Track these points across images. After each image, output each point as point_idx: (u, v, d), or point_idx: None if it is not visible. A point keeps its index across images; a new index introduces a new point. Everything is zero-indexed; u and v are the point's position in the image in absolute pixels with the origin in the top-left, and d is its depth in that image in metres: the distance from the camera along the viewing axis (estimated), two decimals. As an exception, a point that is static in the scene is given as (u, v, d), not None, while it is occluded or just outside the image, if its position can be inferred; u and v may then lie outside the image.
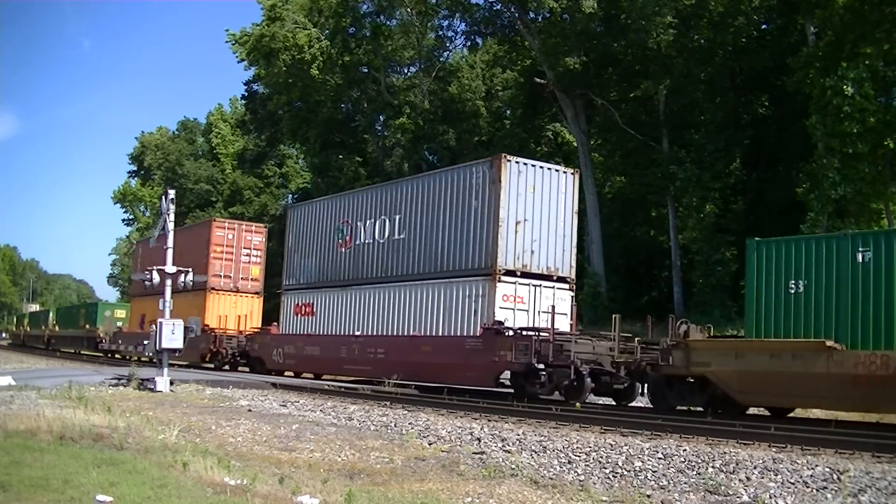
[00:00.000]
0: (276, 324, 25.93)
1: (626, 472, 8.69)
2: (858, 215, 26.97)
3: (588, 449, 9.98)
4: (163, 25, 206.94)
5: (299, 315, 24.44)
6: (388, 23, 45.77)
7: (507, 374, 17.21)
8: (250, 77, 54.18)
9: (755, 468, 8.58)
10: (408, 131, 43.00)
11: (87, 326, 41.41)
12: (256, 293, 30.37)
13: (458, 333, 18.32)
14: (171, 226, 18.96)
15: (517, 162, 18.43)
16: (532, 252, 18.31)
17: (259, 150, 61.69)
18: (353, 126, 50.24)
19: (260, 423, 12.59)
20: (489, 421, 13.33)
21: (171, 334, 17.99)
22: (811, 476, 8.19)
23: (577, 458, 9.51)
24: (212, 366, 28.01)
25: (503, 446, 10.43)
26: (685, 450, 9.73)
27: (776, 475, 8.27)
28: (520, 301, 17.96)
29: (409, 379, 19.36)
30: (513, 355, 16.28)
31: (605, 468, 8.92)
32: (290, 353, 24.07)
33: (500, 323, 17.26)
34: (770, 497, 7.46)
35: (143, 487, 6.82)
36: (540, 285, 18.33)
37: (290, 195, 62.41)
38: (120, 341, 35.66)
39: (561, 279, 18.78)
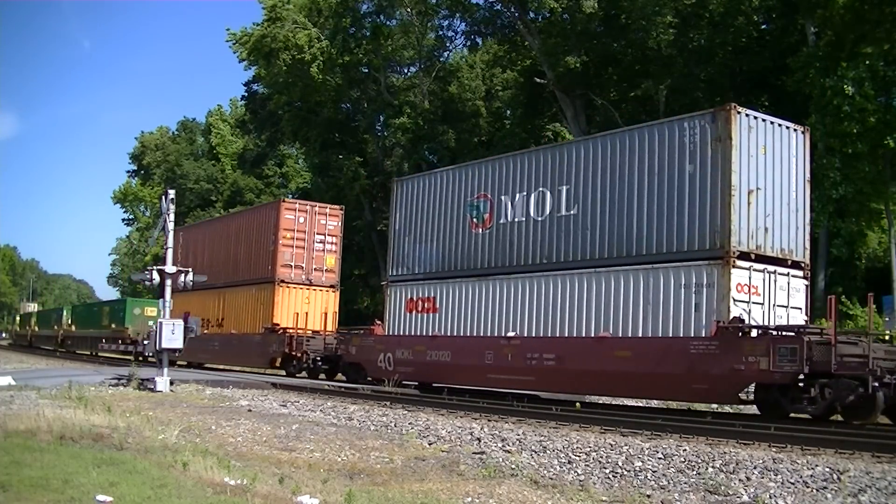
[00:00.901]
0: (378, 323, 21.51)
1: (626, 472, 8.69)
2: (858, 215, 26.99)
3: (588, 449, 9.98)
4: (163, 25, 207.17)
5: (414, 312, 19.88)
6: (388, 23, 45.80)
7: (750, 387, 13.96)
8: (250, 77, 54.29)
9: (755, 468, 8.58)
10: (408, 131, 43.00)
11: (114, 326, 38.19)
12: (332, 287, 26.36)
13: (675, 334, 14.47)
14: (170, 226, 18.96)
15: (747, 115, 14.81)
16: (766, 230, 14.66)
17: (259, 150, 61.72)
18: (353, 126, 50.25)
19: (260, 423, 12.59)
20: (489, 421, 13.33)
21: (171, 334, 18.00)
22: (811, 476, 8.19)
23: (577, 458, 9.51)
24: (283, 372, 24.88)
25: (503, 446, 10.43)
26: (685, 450, 9.73)
27: (776, 475, 8.27)
28: (755, 292, 14.33)
29: (598, 392, 16.87)
30: (770, 362, 12.63)
31: (605, 468, 8.92)
32: (403, 358, 19.64)
33: (741, 320, 13.69)
34: (770, 497, 7.46)
35: (143, 487, 6.82)
36: (774, 272, 14.68)
37: (290, 195, 62.41)
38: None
39: (795, 264, 15.19)
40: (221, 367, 28.39)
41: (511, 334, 17.19)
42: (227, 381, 20.79)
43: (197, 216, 62.18)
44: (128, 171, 79.42)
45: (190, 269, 19.52)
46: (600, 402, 17.53)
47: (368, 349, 21.00)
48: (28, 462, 7.78)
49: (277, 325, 24.69)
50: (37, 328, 55.72)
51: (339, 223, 26.56)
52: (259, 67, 47.41)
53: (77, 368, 27.28)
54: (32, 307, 75.35)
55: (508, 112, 45.69)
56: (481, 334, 18.00)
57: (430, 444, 10.72)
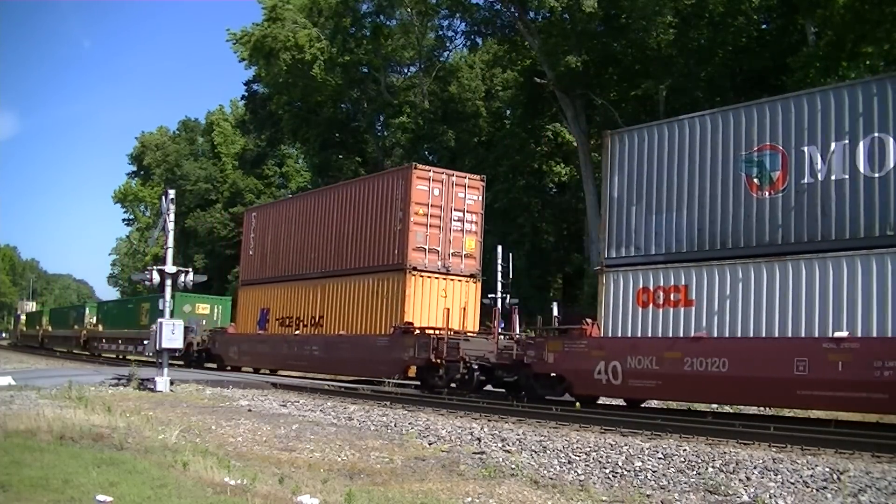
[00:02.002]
0: (589, 322, 16.24)
1: (626, 472, 8.69)
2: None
3: (588, 449, 9.98)
4: (163, 25, 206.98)
5: (651, 306, 14.97)
6: (388, 23, 45.84)
7: None
8: (250, 77, 54.37)
9: (755, 468, 8.58)
10: (408, 130, 43.02)
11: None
12: (472, 276, 21.17)
13: None
14: (170, 226, 18.94)
15: None
16: None
17: (259, 150, 61.75)
18: (353, 126, 50.29)
19: (260, 422, 12.60)
20: (489, 421, 13.33)
21: (171, 334, 18.00)
22: (811, 476, 8.19)
23: (577, 457, 9.51)
24: (417, 382, 19.93)
25: (503, 446, 10.43)
26: (685, 450, 9.73)
27: (776, 475, 8.27)
28: None
29: None
30: None
31: (605, 468, 8.92)
32: (641, 369, 14.62)
33: None
34: (770, 497, 7.46)
35: (143, 487, 6.82)
36: None
37: (290, 195, 62.42)
38: (234, 347, 27.35)
39: None
40: (324, 376, 23.03)
41: (842, 334, 12.57)
42: (227, 381, 20.78)
43: (197, 216, 62.23)
44: (128, 172, 79.51)
45: (190, 270, 19.47)
46: (600, 401, 17.51)
47: (577, 356, 15.84)
48: (28, 462, 7.77)
49: (411, 324, 19.59)
50: (50, 328, 50.37)
51: (480, 197, 21.54)
52: (259, 67, 47.47)
53: (77, 368, 27.29)
54: (31, 306, 73.96)
55: (508, 112, 45.70)
56: (779, 334, 13.23)
57: (430, 444, 10.72)
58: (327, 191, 25.53)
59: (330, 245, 23.61)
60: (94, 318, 43.29)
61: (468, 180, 21.50)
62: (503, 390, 18.15)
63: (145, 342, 28.79)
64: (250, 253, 28.01)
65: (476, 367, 18.16)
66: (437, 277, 20.64)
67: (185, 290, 27.78)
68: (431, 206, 20.61)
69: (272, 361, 25.58)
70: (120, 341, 37.29)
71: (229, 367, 27.48)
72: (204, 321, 31.37)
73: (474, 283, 21.30)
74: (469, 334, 19.39)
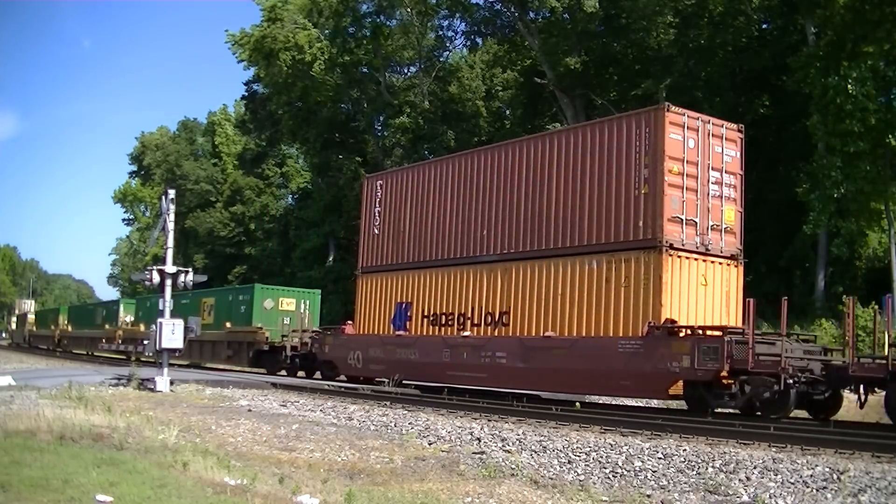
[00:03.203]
0: None
1: (626, 472, 8.69)
2: (859, 214, 27.00)
3: (588, 449, 9.98)
4: (163, 25, 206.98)
5: None
6: (388, 23, 45.84)
7: None
8: (250, 77, 54.39)
9: (755, 468, 8.58)
10: (408, 130, 43.03)
11: (230, 325, 27.89)
12: (732, 258, 15.88)
13: None
14: (170, 226, 18.93)
15: None
16: None
17: (259, 150, 61.80)
18: (353, 126, 50.32)
19: (260, 422, 12.59)
20: (489, 421, 13.32)
21: (171, 334, 17.98)
22: (811, 476, 8.19)
23: (577, 457, 9.51)
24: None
25: (503, 446, 10.43)
26: (685, 450, 9.73)
27: (776, 475, 8.27)
28: None
29: None
30: None
31: (605, 468, 8.92)
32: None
33: None
34: (770, 497, 7.46)
35: (143, 487, 6.81)
36: None
37: (291, 195, 62.51)
38: (355, 352, 20.95)
39: None
40: (522, 392, 17.03)
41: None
42: (227, 381, 20.77)
43: (197, 216, 62.22)
44: (128, 172, 79.54)
45: (189, 270, 19.44)
46: (600, 401, 17.52)
47: None
48: (28, 462, 7.77)
49: (674, 322, 14.45)
50: (69, 327, 45.08)
51: (739, 153, 16.19)
52: (259, 68, 47.47)
53: (77, 368, 27.26)
54: (29, 304, 72.96)
55: (508, 112, 45.74)
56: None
57: (430, 444, 10.72)
58: (511, 146, 18.59)
59: (519, 218, 17.53)
60: (132, 315, 36.81)
61: (725, 130, 16.03)
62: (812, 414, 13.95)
63: (248, 345, 25.68)
64: (375, 232, 21.58)
65: (793, 381, 12.89)
66: (695, 258, 15.38)
67: (263, 282, 26.48)
68: (687, 162, 15.21)
69: (422, 371, 19.06)
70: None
71: (342, 377, 21.99)
72: (288, 319, 25.93)
73: (736, 266, 16.00)
74: (771, 336, 14.44)
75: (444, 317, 18.98)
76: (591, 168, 16.23)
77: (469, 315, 18.27)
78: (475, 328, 18.04)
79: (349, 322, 22.21)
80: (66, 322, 46.00)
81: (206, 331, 27.05)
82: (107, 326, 37.89)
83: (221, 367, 27.96)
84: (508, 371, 16.76)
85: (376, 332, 20.79)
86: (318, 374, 23.55)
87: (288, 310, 27.23)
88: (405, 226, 20.72)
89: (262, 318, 26.47)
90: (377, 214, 21.88)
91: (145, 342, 20.18)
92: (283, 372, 24.54)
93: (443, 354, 18.36)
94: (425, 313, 19.45)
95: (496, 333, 17.41)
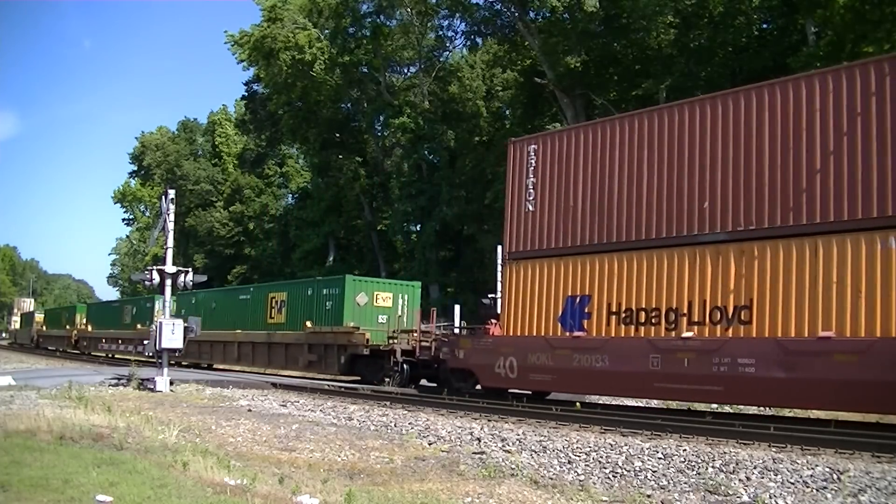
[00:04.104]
0: None
1: (626, 472, 8.69)
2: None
3: (588, 449, 9.98)
4: (163, 25, 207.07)
5: None
6: (388, 23, 45.86)
7: None
8: (250, 77, 54.42)
9: (755, 468, 8.59)
10: (408, 130, 43.05)
11: (310, 324, 23.41)
12: None
13: None
14: (170, 226, 18.94)
15: None
16: None
17: (259, 150, 61.82)
18: (353, 126, 50.34)
19: (260, 422, 12.60)
20: (489, 421, 13.33)
21: (171, 334, 18.00)
22: (811, 476, 8.20)
23: (577, 457, 9.52)
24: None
25: (503, 446, 10.43)
26: (685, 450, 9.74)
27: (776, 475, 8.27)
28: None
29: None
30: None
31: (605, 468, 8.93)
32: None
33: None
34: (770, 497, 7.46)
35: (143, 487, 6.81)
36: None
37: (291, 195, 62.52)
38: (506, 359, 16.58)
39: None
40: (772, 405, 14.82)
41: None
42: (227, 381, 20.78)
43: (197, 216, 62.23)
44: (128, 172, 79.52)
45: (189, 270, 19.46)
46: (600, 401, 17.50)
47: None
48: (28, 462, 7.77)
49: None
50: (88, 326, 41.77)
51: None
52: (259, 68, 47.48)
53: (77, 368, 27.26)
54: (29, 303, 72.17)
55: (508, 112, 45.73)
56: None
57: (430, 444, 10.72)
58: (754, 92, 14.04)
59: (762, 184, 13.54)
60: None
61: None
62: None
63: (340, 349, 21.56)
64: (529, 209, 17.24)
65: None
66: None
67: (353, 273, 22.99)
68: None
69: (614, 383, 14.99)
70: (250, 348, 25.98)
71: (477, 388, 18.05)
72: (385, 317, 22.69)
73: None
74: None
75: (643, 313, 14.76)
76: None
77: (684, 311, 14.25)
78: (695, 327, 14.06)
79: (493, 321, 17.89)
80: (84, 321, 42.84)
81: (277, 331, 24.45)
82: (139, 327, 33.08)
83: (297, 374, 24.02)
84: (759, 384, 12.81)
85: (538, 333, 16.39)
86: (419, 383, 20.69)
87: (384, 306, 23.16)
88: (578, 200, 16.35)
89: (354, 315, 22.42)
90: (530, 187, 17.43)
91: (145, 342, 20.15)
92: (387, 380, 20.48)
93: (649, 362, 14.16)
94: (613, 309, 15.27)
95: (732, 333, 13.51)
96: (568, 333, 15.77)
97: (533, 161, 17.53)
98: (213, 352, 28.76)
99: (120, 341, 35.97)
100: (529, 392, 17.54)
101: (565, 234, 16.50)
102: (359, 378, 21.74)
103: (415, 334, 20.51)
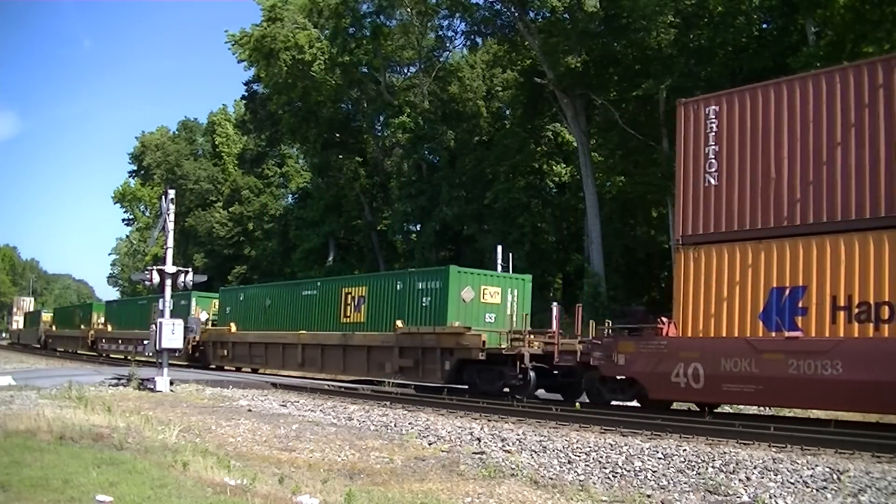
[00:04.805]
0: None
1: (626, 472, 8.69)
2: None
3: (588, 449, 9.98)
4: (163, 25, 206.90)
5: None
6: (388, 23, 45.87)
7: None
8: (250, 77, 54.43)
9: (755, 468, 8.59)
10: (408, 130, 43.06)
11: (401, 324, 20.15)
12: None
13: None
14: (170, 226, 18.94)
15: None
16: None
17: (259, 150, 61.83)
18: (353, 126, 50.35)
19: (260, 423, 12.60)
20: (489, 421, 13.32)
21: (171, 334, 18.01)
22: (811, 476, 8.19)
23: (577, 458, 9.51)
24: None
25: (503, 446, 10.43)
26: (685, 450, 9.74)
27: (776, 475, 8.27)
28: None
29: None
30: None
31: (605, 468, 8.92)
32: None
33: None
34: (770, 497, 7.46)
35: (143, 487, 6.82)
36: None
37: (291, 195, 62.53)
38: (689, 369, 13.44)
39: None
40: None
41: None
42: (227, 381, 20.77)
43: (197, 216, 62.26)
44: (128, 172, 79.51)
45: (189, 270, 19.46)
46: (539, 395, 17.30)
47: None
48: (28, 462, 7.77)
49: None
50: (109, 327, 38.61)
51: None
52: (259, 68, 47.49)
53: (77, 368, 27.25)
54: (28, 302, 71.41)
55: (508, 112, 45.74)
56: None
57: (430, 444, 10.72)
58: None
59: None
60: (207, 313, 30.37)
61: None
62: None
63: (445, 354, 18.44)
64: (710, 182, 14.39)
65: None
66: None
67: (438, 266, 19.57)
68: None
69: (846, 397, 11.80)
70: (318, 351, 22.74)
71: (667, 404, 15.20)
72: (493, 316, 19.79)
73: None
74: None
75: (887, 308, 11.84)
76: None
77: None
78: None
79: (665, 319, 14.65)
80: (102, 321, 39.95)
81: (355, 332, 21.31)
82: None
83: (370, 380, 20.80)
84: None
85: (729, 334, 13.43)
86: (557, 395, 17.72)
87: (492, 302, 19.87)
88: (783, 169, 13.60)
89: (458, 313, 19.23)
90: (711, 156, 14.56)
91: (145, 342, 20.13)
92: (507, 389, 17.40)
93: None
94: (841, 303, 12.35)
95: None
96: (774, 333, 12.87)
97: (714, 125, 14.57)
98: (267, 355, 25.37)
99: (146, 342, 31.19)
100: (707, 404, 14.31)
101: (765, 213, 13.55)
102: (466, 387, 18.64)
103: (550, 336, 17.22)
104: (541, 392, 17.96)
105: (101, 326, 39.38)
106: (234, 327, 27.21)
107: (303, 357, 23.34)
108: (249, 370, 27.57)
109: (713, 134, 14.51)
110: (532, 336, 17.55)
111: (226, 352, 27.37)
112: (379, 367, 20.65)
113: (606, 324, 16.45)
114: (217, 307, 30.42)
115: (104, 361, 33.00)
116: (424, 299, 20.03)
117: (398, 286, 21.15)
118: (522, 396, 16.68)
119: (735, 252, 13.63)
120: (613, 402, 15.43)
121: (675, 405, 15.61)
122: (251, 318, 26.91)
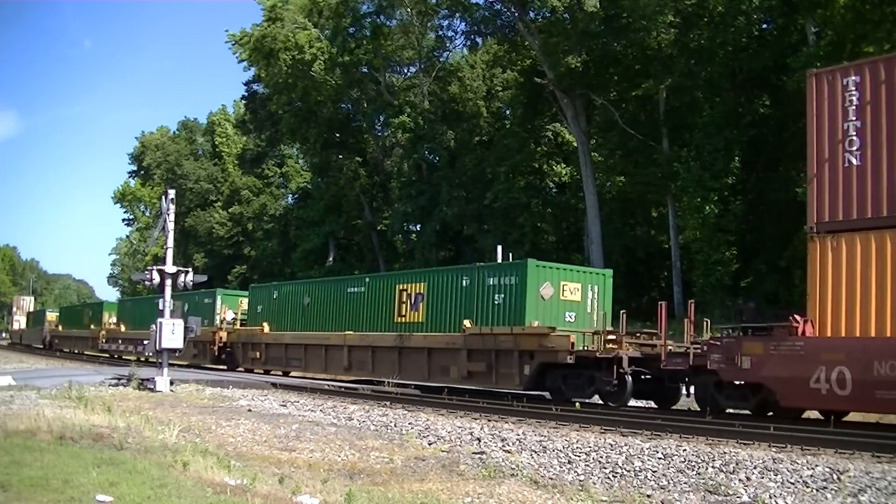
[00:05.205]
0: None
1: (626, 472, 8.69)
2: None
3: (588, 449, 9.98)
4: (163, 25, 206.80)
5: None
6: (388, 23, 45.87)
7: None
8: (250, 77, 54.42)
9: (755, 468, 8.59)
10: (408, 130, 43.07)
11: (469, 324, 18.29)
12: None
13: None
14: (170, 226, 18.94)
15: None
16: None
17: (259, 150, 61.85)
18: (353, 126, 50.35)
19: (260, 422, 12.60)
20: (489, 421, 13.32)
21: (171, 334, 18.01)
22: (811, 476, 8.19)
23: (577, 458, 9.51)
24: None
25: (503, 446, 10.43)
26: (685, 450, 9.73)
27: (776, 475, 8.27)
28: None
29: None
30: None
31: (605, 468, 8.92)
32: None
33: None
34: (770, 497, 7.46)
35: (143, 487, 6.81)
36: None
37: (291, 195, 62.55)
38: (833, 374, 11.64)
39: None
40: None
41: None
42: (227, 381, 20.76)
43: (197, 216, 62.28)
44: (128, 172, 79.51)
45: (189, 270, 19.45)
46: (600, 401, 17.39)
47: None
48: (28, 462, 7.77)
49: None
50: (121, 327, 36.40)
51: None
52: (259, 68, 47.50)
53: (77, 368, 27.24)
54: (28, 301, 71.27)
55: (508, 112, 45.75)
56: None
57: (430, 444, 10.72)
58: None
59: None
60: (233, 312, 28.33)
61: None
62: None
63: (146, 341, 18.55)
64: (851, 162, 12.84)
65: None
66: None
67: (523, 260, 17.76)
68: None
69: None
70: (383, 355, 20.57)
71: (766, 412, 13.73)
72: (573, 315, 18.05)
73: None
74: None
75: None
76: None
77: None
78: None
79: (798, 317, 12.81)
80: (114, 320, 38.01)
81: (413, 333, 19.48)
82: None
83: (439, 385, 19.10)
84: None
85: (882, 333, 11.82)
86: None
87: (572, 300, 18.08)
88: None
89: (537, 312, 17.40)
90: (851, 132, 12.91)
91: (145, 342, 20.11)
92: (596, 397, 16.31)
93: None
94: None
95: None
96: None
97: (855, 98, 12.90)
98: (307, 358, 23.32)
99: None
100: (837, 412, 12.47)
101: None
102: (548, 393, 17.05)
103: (651, 337, 15.99)
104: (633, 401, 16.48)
105: (112, 326, 37.37)
106: (266, 327, 25.27)
107: (349, 360, 21.49)
108: (261, 371, 25.79)
109: (854, 108, 12.83)
110: (629, 337, 15.82)
111: (258, 354, 25.23)
112: (443, 372, 18.89)
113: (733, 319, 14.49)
114: (246, 306, 28.20)
115: (104, 361, 32.91)
116: (497, 296, 18.13)
117: (464, 282, 19.12)
118: (617, 404, 15.33)
119: (884, 241, 11.94)
120: (728, 410, 13.99)
121: (675, 406, 15.76)
122: (286, 318, 24.89)
